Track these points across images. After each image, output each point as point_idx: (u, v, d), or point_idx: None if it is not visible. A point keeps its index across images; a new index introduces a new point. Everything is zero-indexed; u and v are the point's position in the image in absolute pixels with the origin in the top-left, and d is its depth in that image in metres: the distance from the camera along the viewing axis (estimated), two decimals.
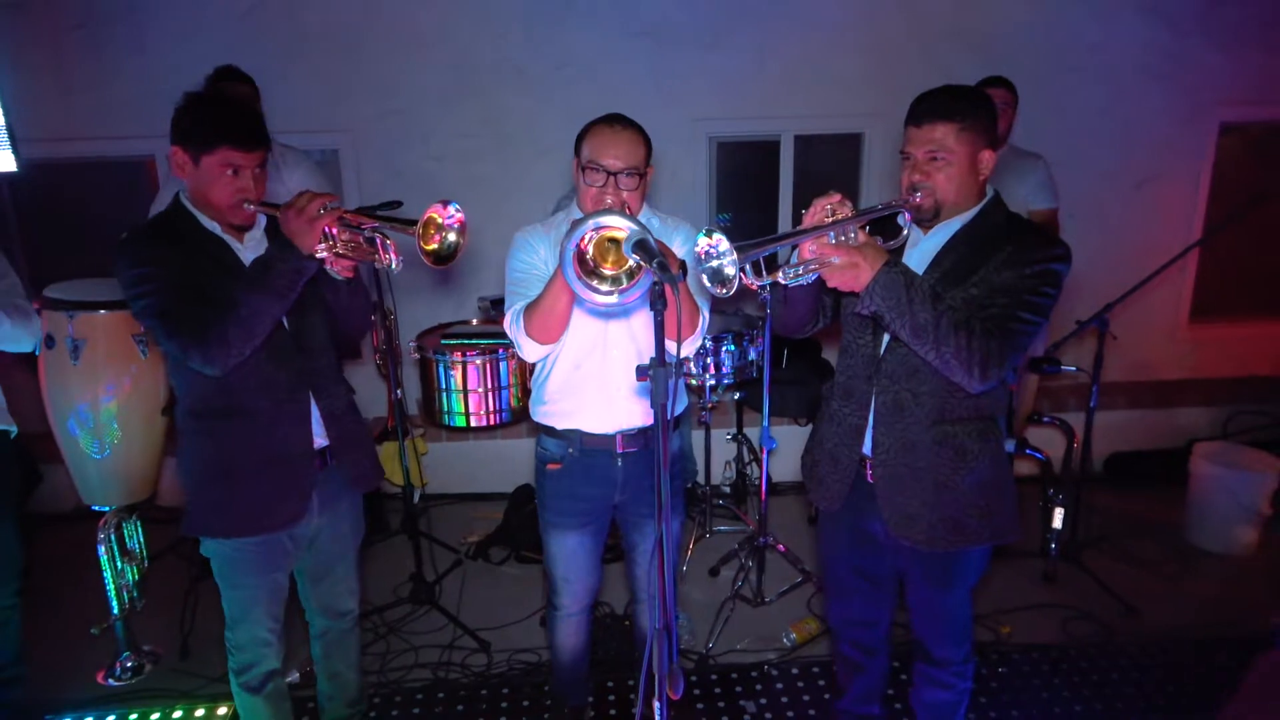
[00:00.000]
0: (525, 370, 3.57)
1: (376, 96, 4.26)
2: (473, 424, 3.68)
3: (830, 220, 1.79)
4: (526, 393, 2.97)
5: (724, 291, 1.65)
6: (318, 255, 1.97)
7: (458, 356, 3.57)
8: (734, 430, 4.12)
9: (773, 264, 1.80)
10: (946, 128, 1.88)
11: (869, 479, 2.08)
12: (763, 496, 3.45)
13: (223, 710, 2.82)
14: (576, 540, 2.38)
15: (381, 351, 3.55)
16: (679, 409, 2.42)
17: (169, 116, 1.99)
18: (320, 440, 2.19)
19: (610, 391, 2.24)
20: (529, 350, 2.17)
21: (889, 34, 4.35)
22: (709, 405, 3.65)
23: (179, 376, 2.09)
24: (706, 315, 2.20)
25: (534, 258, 2.21)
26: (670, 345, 1.53)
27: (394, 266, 1.98)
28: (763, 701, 2.89)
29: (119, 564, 2.92)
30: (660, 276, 1.53)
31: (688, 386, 3.45)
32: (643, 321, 2.20)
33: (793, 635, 3.18)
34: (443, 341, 3.68)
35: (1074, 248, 1.93)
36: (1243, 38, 4.46)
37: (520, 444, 4.18)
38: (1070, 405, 4.42)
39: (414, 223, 1.86)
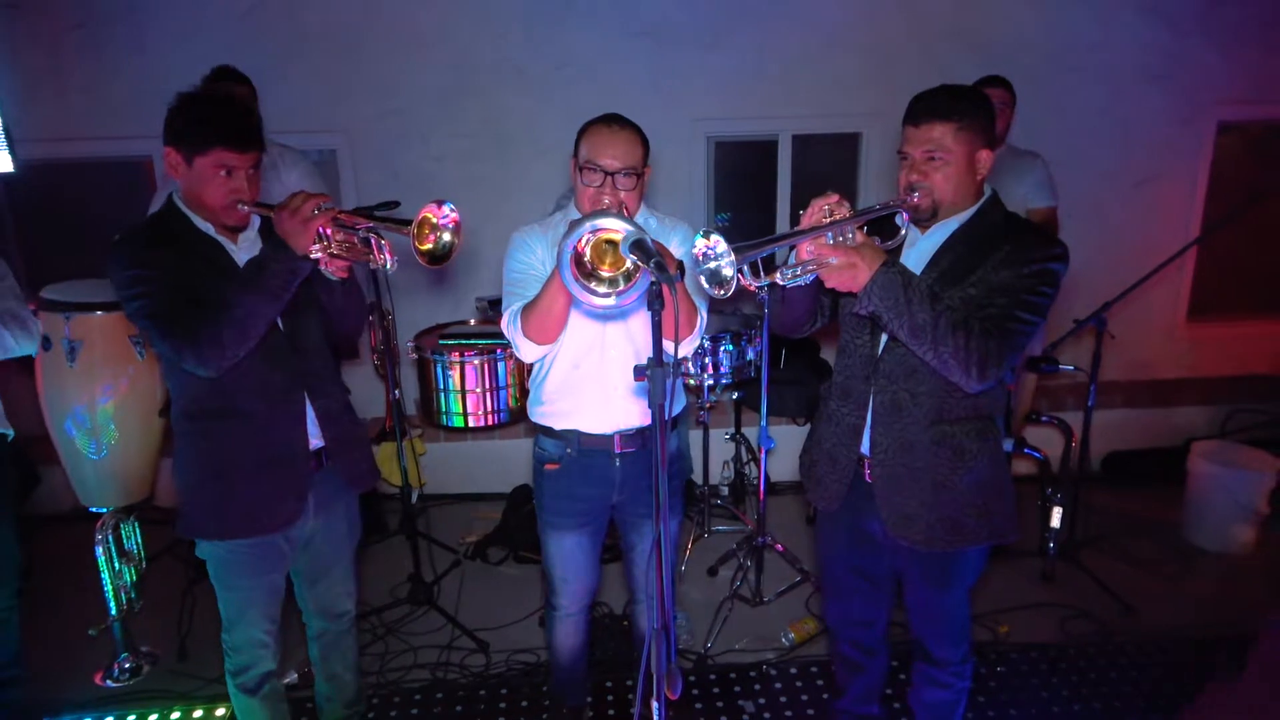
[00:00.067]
0: (523, 370, 3.57)
1: (376, 96, 4.26)
2: (471, 424, 3.68)
3: (828, 221, 1.79)
4: (524, 393, 2.97)
5: (722, 293, 1.65)
6: (312, 256, 1.97)
7: (456, 357, 3.57)
8: (732, 430, 4.12)
9: (771, 265, 1.80)
10: (944, 127, 1.88)
11: (867, 479, 2.08)
12: (761, 496, 3.45)
13: (220, 712, 2.82)
14: (574, 540, 2.38)
15: (379, 352, 3.55)
16: (677, 409, 2.42)
17: None
18: (316, 441, 2.18)
19: (608, 392, 2.24)
20: (526, 351, 2.17)
21: (889, 34, 4.36)
22: (707, 405, 3.65)
23: (173, 378, 2.09)
24: (704, 315, 2.20)
25: (531, 258, 2.21)
26: (668, 345, 1.53)
27: (389, 267, 1.98)
28: (761, 701, 2.89)
29: (117, 565, 2.92)
30: (658, 276, 1.53)
31: (686, 386, 3.45)
32: (641, 322, 2.20)
33: (791, 635, 3.18)
34: (441, 342, 3.68)
35: (1072, 247, 1.93)
36: (1242, 38, 4.46)
37: (518, 444, 4.18)
38: (1068, 404, 4.42)
39: (408, 223, 1.86)
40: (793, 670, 3.04)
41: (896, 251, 1.99)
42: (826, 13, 4.32)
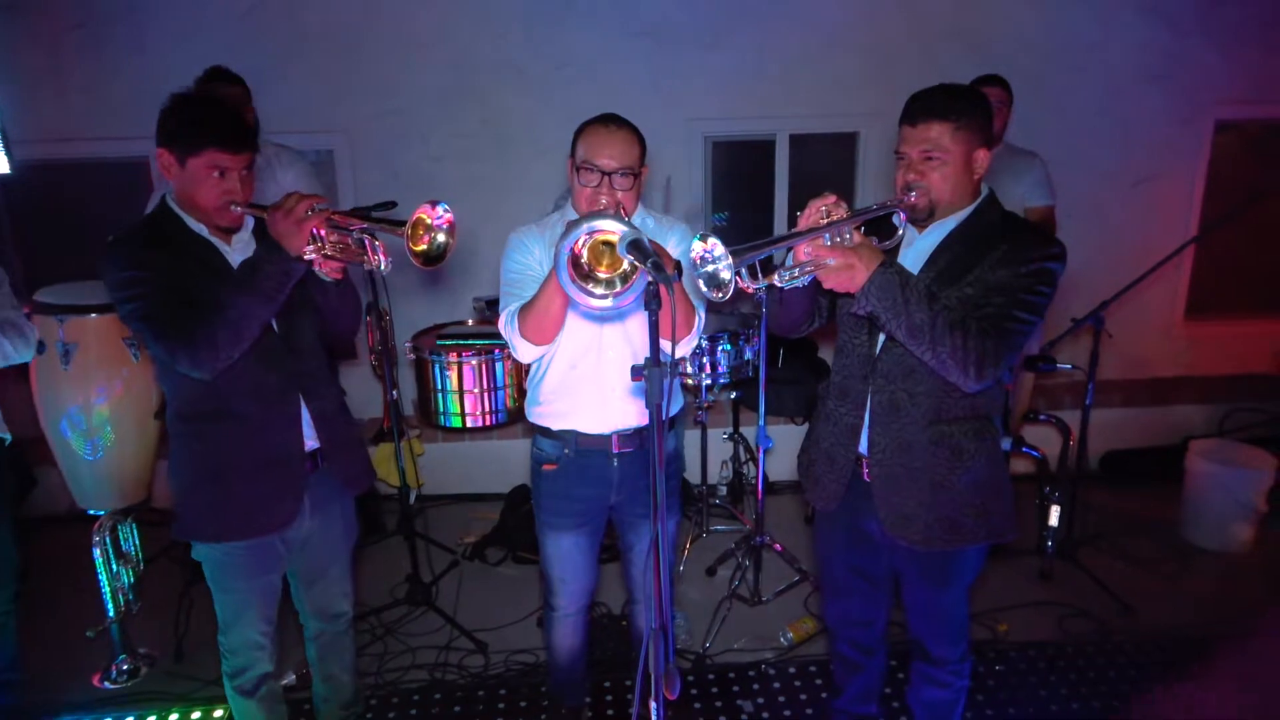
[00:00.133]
0: (521, 371, 3.57)
1: (375, 96, 4.26)
2: (468, 425, 3.68)
3: (825, 222, 1.79)
4: (522, 393, 2.97)
5: (720, 296, 1.65)
6: (306, 257, 1.96)
7: (453, 357, 3.57)
8: (730, 430, 4.12)
9: (768, 267, 1.80)
10: (942, 127, 1.88)
11: (865, 478, 2.08)
12: (759, 496, 3.45)
13: (218, 713, 2.81)
14: (572, 541, 2.38)
15: (377, 352, 3.55)
16: (675, 409, 2.41)
17: None
18: (311, 442, 2.18)
19: (605, 392, 2.24)
20: (524, 351, 2.17)
21: (888, 34, 4.36)
22: (705, 405, 3.65)
23: (167, 380, 2.08)
24: (702, 315, 2.20)
25: (529, 258, 2.21)
26: (666, 345, 1.52)
27: (383, 268, 1.97)
28: (760, 701, 2.89)
29: (114, 567, 2.92)
30: (655, 276, 1.53)
31: (684, 386, 3.45)
32: (638, 322, 2.20)
33: (790, 635, 3.18)
34: (438, 342, 3.68)
35: (1070, 246, 1.93)
36: (1242, 37, 4.47)
37: (516, 444, 4.18)
38: (1066, 403, 4.42)
39: (403, 224, 1.85)
40: (791, 670, 3.04)
41: (894, 251, 1.99)
42: (826, 12, 4.32)
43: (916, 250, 1.99)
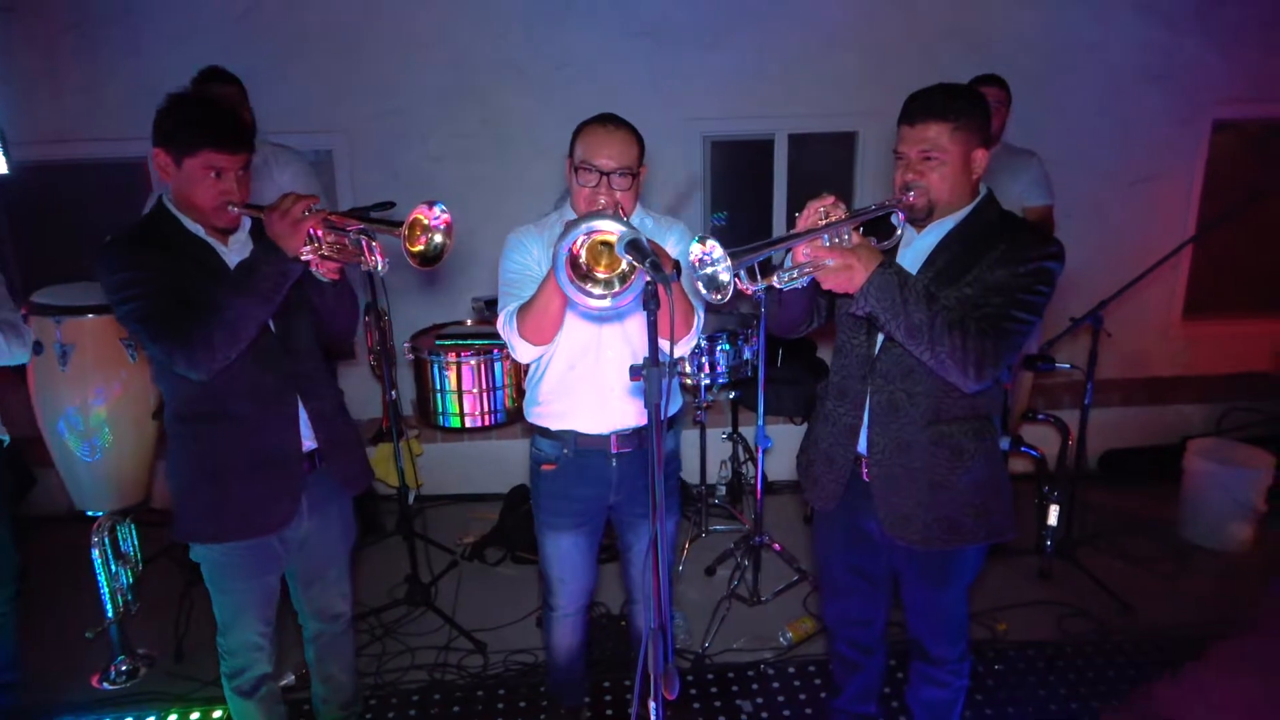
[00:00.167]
0: (520, 371, 3.57)
1: (374, 96, 4.26)
2: (468, 425, 3.68)
3: (823, 223, 1.79)
4: (521, 393, 2.97)
5: (719, 298, 1.65)
6: (302, 258, 1.96)
7: (452, 357, 3.57)
8: (729, 429, 4.12)
9: (767, 268, 1.80)
10: (940, 127, 1.88)
11: (864, 478, 2.08)
12: (758, 496, 3.45)
13: (217, 714, 2.81)
14: (571, 541, 2.38)
15: (376, 352, 3.55)
16: (674, 409, 2.41)
17: None
18: (309, 443, 2.17)
19: (604, 392, 2.24)
20: (522, 351, 2.17)
21: (888, 33, 4.36)
22: (704, 405, 3.65)
23: (164, 381, 2.08)
24: (702, 315, 2.20)
25: (527, 258, 2.21)
26: (664, 345, 1.52)
27: (380, 269, 1.97)
28: (759, 701, 2.89)
29: (113, 567, 2.92)
30: (653, 276, 1.53)
31: (683, 386, 3.45)
32: (637, 322, 2.20)
33: (789, 634, 3.18)
34: (437, 342, 3.68)
35: (1069, 245, 1.93)
36: (1240, 37, 4.47)
37: (515, 444, 4.18)
38: (1065, 402, 4.42)
39: (399, 224, 1.85)
40: (790, 669, 3.04)
41: (892, 251, 1.99)
42: (826, 12, 4.32)
43: (915, 250, 1.99)
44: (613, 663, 3.03)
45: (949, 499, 2.00)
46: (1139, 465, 4.46)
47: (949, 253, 1.94)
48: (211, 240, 2.06)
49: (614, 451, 2.29)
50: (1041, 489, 3.60)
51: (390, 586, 3.50)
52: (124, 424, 2.78)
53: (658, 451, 1.51)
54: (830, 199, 1.81)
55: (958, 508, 2.01)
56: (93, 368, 2.72)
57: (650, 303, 1.54)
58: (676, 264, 1.89)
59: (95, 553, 2.88)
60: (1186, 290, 4.92)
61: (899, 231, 1.99)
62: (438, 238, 1.90)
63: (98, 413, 2.73)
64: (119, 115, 3.99)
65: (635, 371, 1.52)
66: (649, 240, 1.63)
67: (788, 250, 1.83)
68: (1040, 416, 4.02)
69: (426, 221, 1.88)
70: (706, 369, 3.48)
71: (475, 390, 3.61)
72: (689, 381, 3.50)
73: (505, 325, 2.16)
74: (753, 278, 1.77)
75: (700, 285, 1.67)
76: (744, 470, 4.21)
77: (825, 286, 1.83)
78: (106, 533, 2.90)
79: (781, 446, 3.97)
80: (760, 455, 3.39)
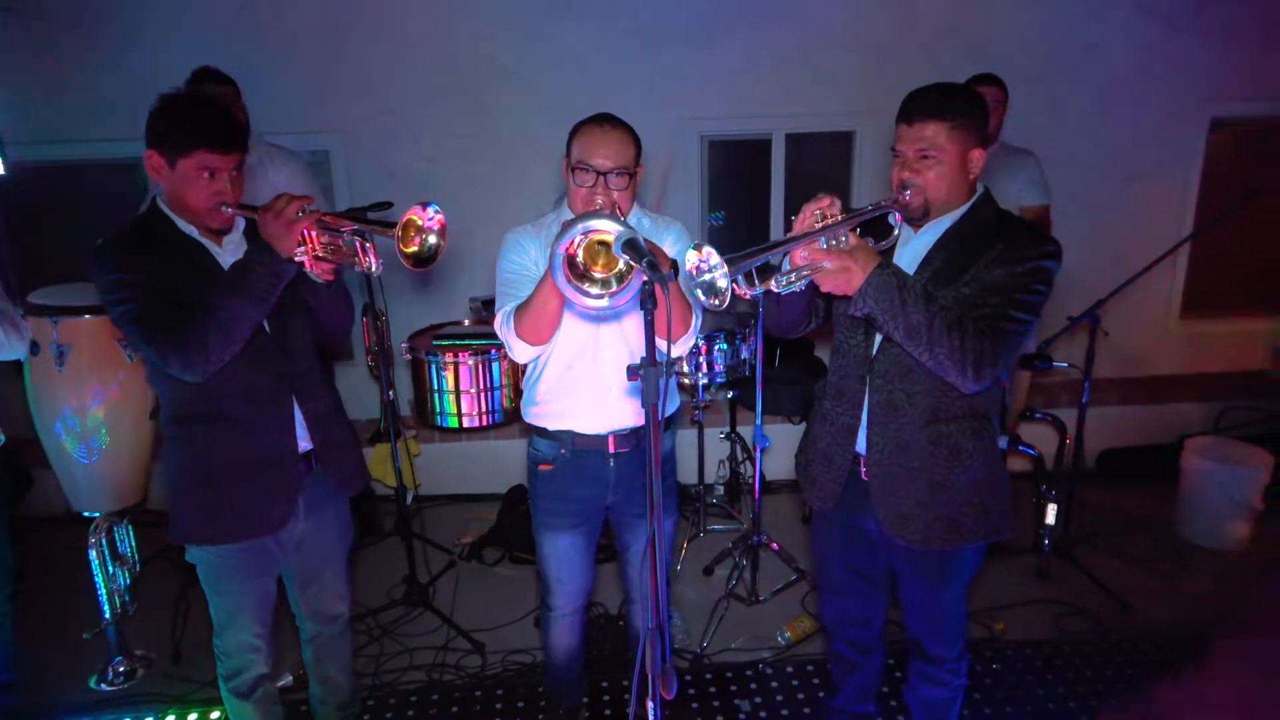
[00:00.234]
0: (517, 371, 3.57)
1: (368, 96, 4.25)
2: (465, 425, 3.68)
3: (820, 225, 1.79)
4: (519, 393, 2.97)
5: (718, 304, 1.65)
6: (297, 259, 1.95)
7: (450, 357, 3.57)
8: (727, 429, 4.12)
9: (765, 272, 1.79)
10: (938, 126, 1.88)
11: (863, 477, 2.08)
12: (756, 495, 3.45)
13: (215, 715, 2.81)
14: (569, 541, 2.38)
15: (373, 353, 3.54)
16: (671, 409, 2.41)
17: None
18: (304, 444, 2.17)
19: (602, 392, 2.23)
20: (520, 351, 2.17)
21: (884, 32, 4.36)
22: (702, 404, 3.65)
23: (159, 382, 2.07)
24: (699, 315, 2.20)
25: (524, 258, 2.21)
26: (662, 344, 1.52)
27: (374, 269, 1.96)
28: (758, 700, 2.89)
29: (110, 568, 2.91)
30: (650, 276, 1.53)
31: (680, 385, 3.45)
32: (634, 322, 2.20)
33: (787, 634, 3.18)
34: (435, 342, 3.68)
35: (1066, 244, 1.93)
36: (1239, 35, 4.47)
37: (513, 445, 4.17)
38: (1062, 401, 4.43)
39: (393, 225, 1.84)
40: (789, 669, 3.04)
41: (890, 251, 1.99)
42: (823, 11, 4.32)
43: (912, 250, 1.99)
44: (611, 662, 3.03)
45: (948, 498, 2.00)
46: (1137, 464, 4.46)
47: (946, 252, 1.94)
48: (205, 241, 2.05)
49: (611, 451, 2.29)
50: (1039, 488, 3.60)
51: (388, 587, 3.49)
52: (122, 425, 2.78)
53: (655, 452, 1.51)
54: (827, 200, 1.81)
55: (957, 507, 2.01)
56: (90, 368, 2.71)
57: (648, 302, 1.54)
58: (674, 264, 1.89)
59: (93, 554, 2.87)
60: (1184, 289, 4.93)
61: (896, 231, 1.99)
62: (432, 239, 1.89)
63: (95, 414, 2.72)
64: (116, 115, 3.97)
65: (633, 371, 1.52)
66: (646, 240, 1.63)
67: (785, 254, 1.83)
68: (1038, 416, 4.02)
69: (420, 222, 1.87)
70: (704, 368, 3.47)
71: (473, 390, 3.61)
72: (687, 381, 3.50)
73: (503, 325, 2.15)
74: (750, 283, 1.77)
75: (699, 292, 1.67)
76: (742, 470, 4.21)
77: (823, 289, 1.83)
78: (104, 534, 2.89)
79: (779, 446, 3.97)
80: (758, 455, 3.39)
